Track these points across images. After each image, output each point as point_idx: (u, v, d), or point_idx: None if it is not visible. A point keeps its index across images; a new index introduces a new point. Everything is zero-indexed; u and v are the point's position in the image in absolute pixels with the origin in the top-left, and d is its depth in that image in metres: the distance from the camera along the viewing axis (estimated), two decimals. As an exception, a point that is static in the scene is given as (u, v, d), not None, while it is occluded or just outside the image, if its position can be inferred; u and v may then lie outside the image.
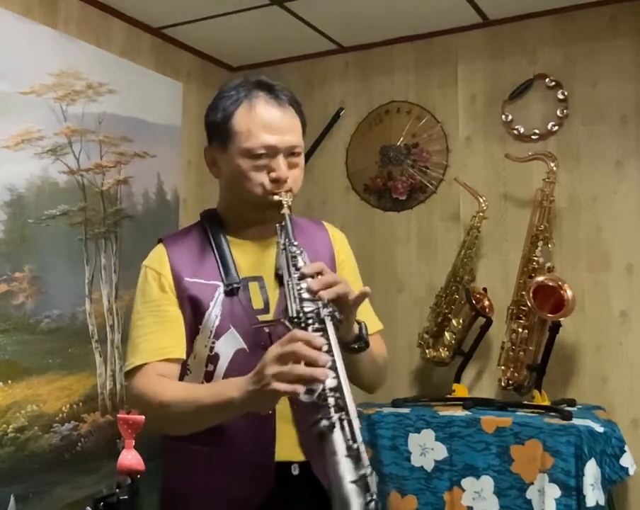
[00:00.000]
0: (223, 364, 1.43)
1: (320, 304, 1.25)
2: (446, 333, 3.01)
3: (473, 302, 2.95)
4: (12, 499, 2.41)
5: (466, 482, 2.59)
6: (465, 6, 3.02)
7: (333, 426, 1.11)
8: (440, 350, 3.02)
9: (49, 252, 2.64)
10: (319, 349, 1.18)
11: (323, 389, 1.14)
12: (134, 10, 3.03)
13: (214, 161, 1.51)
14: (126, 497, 1.05)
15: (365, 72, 3.49)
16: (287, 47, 3.49)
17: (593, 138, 3.02)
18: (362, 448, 1.09)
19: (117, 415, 1.09)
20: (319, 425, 1.11)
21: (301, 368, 1.16)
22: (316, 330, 1.23)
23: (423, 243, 3.33)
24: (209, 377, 1.44)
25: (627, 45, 2.97)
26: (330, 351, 1.19)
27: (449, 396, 2.96)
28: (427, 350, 3.05)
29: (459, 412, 2.71)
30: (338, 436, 1.10)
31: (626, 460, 2.58)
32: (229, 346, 1.42)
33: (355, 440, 1.10)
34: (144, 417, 1.11)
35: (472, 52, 3.26)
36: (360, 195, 3.47)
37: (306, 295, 1.26)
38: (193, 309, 1.45)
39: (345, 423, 1.12)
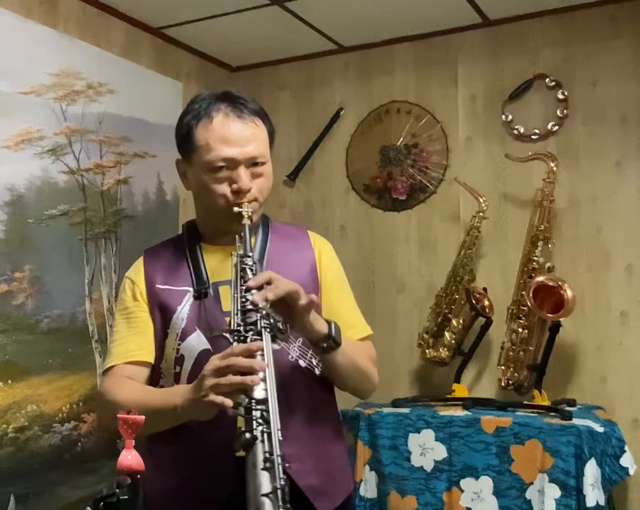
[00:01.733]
0: (188, 365, 1.47)
1: (259, 314, 1.29)
2: (446, 333, 3.01)
3: (473, 302, 2.95)
4: (12, 499, 2.41)
5: (465, 483, 2.58)
6: (465, 6, 3.02)
7: (255, 439, 1.15)
8: (440, 350, 3.02)
9: (49, 252, 2.64)
10: (257, 350, 1.23)
11: (250, 402, 1.19)
12: (134, 10, 3.03)
13: (185, 174, 1.56)
14: (126, 497, 1.05)
15: (365, 72, 3.49)
16: (287, 47, 3.49)
17: (593, 138, 3.02)
18: (279, 461, 1.13)
19: (117, 415, 1.09)
20: (243, 437, 1.15)
21: (233, 378, 1.21)
22: (253, 341, 1.27)
23: (423, 243, 3.33)
24: (177, 378, 1.48)
25: (627, 45, 2.97)
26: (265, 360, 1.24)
27: (449, 396, 2.95)
28: (427, 350, 3.05)
29: (459, 412, 2.71)
30: (258, 449, 1.14)
31: (626, 460, 2.58)
32: (193, 347, 1.46)
33: (272, 454, 1.14)
34: (143, 417, 1.11)
35: (472, 52, 3.26)
36: (360, 195, 3.47)
37: (250, 307, 1.30)
38: (162, 314, 1.50)
39: (266, 436, 1.15)
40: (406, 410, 2.78)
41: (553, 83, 3.08)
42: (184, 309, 1.48)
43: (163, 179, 3.19)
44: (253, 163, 1.47)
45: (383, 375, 3.42)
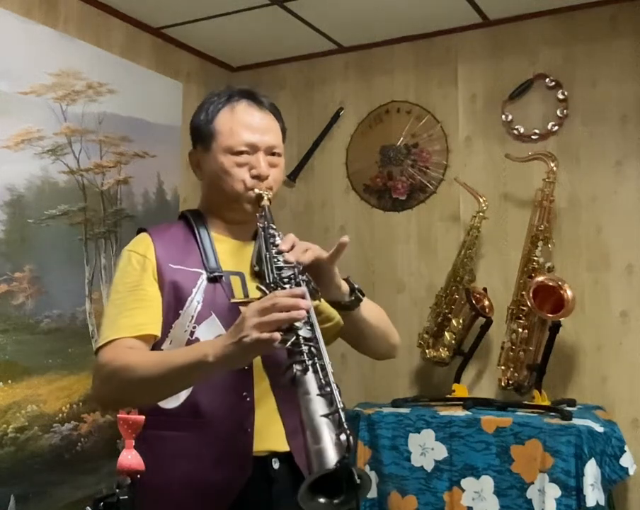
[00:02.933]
0: None
1: (296, 270, 1.31)
2: (446, 333, 3.01)
3: (473, 302, 2.95)
4: (12, 499, 2.41)
5: (466, 482, 2.59)
6: (465, 6, 3.02)
7: (307, 370, 1.14)
8: (440, 350, 3.02)
9: (49, 252, 2.64)
10: (301, 296, 1.22)
11: (297, 337, 1.17)
12: (134, 10, 3.03)
13: (199, 164, 1.57)
14: (126, 497, 1.05)
15: (365, 72, 3.49)
16: (287, 47, 3.49)
17: (593, 138, 3.02)
18: (335, 388, 1.12)
19: (117, 415, 1.09)
20: (292, 369, 1.14)
21: (279, 315, 1.19)
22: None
23: (423, 243, 3.33)
24: None
25: (627, 45, 2.97)
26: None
27: (449, 396, 2.95)
28: (427, 350, 3.05)
29: (459, 412, 2.71)
30: (310, 378, 1.13)
31: (626, 460, 2.58)
32: (209, 331, 1.43)
33: (327, 382, 1.12)
34: (143, 418, 1.11)
35: (472, 52, 3.26)
36: (360, 195, 3.47)
37: (282, 265, 1.33)
38: (175, 295, 1.46)
39: (319, 367, 1.15)
40: (406, 410, 2.77)
41: (553, 83, 3.08)
42: (199, 291, 1.46)
43: (163, 179, 3.19)
44: (270, 152, 1.52)
45: (383, 375, 3.42)
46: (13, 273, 2.50)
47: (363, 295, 1.48)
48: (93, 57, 2.86)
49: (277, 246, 1.37)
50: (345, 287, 1.45)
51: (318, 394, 1.11)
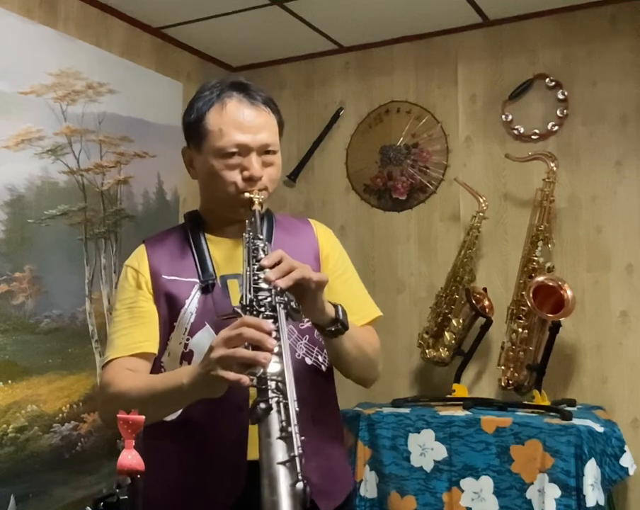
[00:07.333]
0: (197, 361, 1.40)
1: (273, 291, 1.25)
2: (446, 333, 3.01)
3: (473, 302, 2.95)
4: (12, 499, 2.41)
5: (465, 483, 2.58)
6: (465, 6, 3.02)
7: (270, 409, 1.11)
8: (440, 350, 3.02)
9: (49, 252, 2.64)
10: (268, 334, 1.18)
11: (264, 373, 1.14)
12: (134, 10, 3.03)
13: (191, 162, 1.54)
14: (126, 497, 1.05)
15: (365, 72, 3.49)
16: (287, 47, 3.50)
17: (593, 138, 3.02)
18: (295, 431, 1.09)
19: (117, 415, 1.09)
20: (257, 408, 1.11)
21: (243, 351, 1.16)
22: (267, 317, 1.22)
23: (423, 243, 3.33)
24: None
25: (627, 45, 2.97)
26: (278, 338, 1.19)
27: (449, 396, 2.95)
28: (427, 350, 3.05)
29: (459, 412, 2.71)
30: (273, 419, 1.10)
31: (626, 460, 2.58)
32: (203, 342, 1.40)
33: (289, 424, 1.10)
34: (143, 418, 1.10)
35: (472, 52, 3.26)
36: (360, 195, 3.47)
37: (263, 285, 1.26)
38: (169, 307, 1.46)
39: (282, 406, 1.12)
40: (406, 410, 2.77)
41: (553, 83, 3.08)
42: (192, 302, 1.45)
43: (163, 179, 3.19)
44: (264, 151, 1.46)
45: (383, 375, 3.42)
46: (13, 273, 2.50)
47: (346, 329, 1.39)
48: (93, 57, 2.86)
49: (259, 260, 1.30)
50: (329, 313, 1.36)
51: (278, 437, 1.08)
